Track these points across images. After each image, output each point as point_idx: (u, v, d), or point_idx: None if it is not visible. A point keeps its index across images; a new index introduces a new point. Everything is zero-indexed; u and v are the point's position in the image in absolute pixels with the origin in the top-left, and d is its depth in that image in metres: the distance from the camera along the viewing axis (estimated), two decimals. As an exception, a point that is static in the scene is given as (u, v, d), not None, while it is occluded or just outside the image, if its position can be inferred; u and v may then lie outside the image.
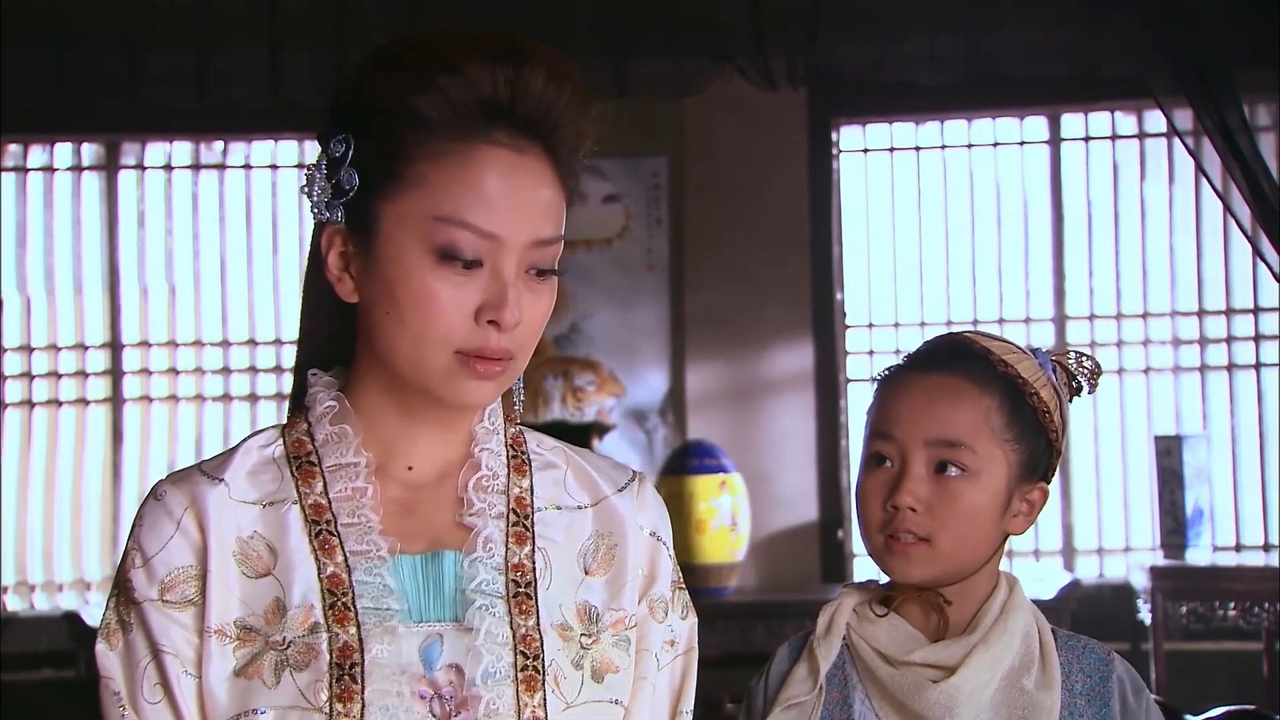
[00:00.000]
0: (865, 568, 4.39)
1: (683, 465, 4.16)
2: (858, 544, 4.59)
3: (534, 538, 1.16)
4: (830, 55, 4.19)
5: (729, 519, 4.14)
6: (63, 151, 4.75)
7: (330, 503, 1.13)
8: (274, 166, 4.80)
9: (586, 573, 1.17)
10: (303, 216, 4.70)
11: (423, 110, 1.09)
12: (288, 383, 4.68)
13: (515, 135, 1.10)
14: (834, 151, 4.79)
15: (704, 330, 4.70)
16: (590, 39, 4.16)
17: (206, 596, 1.10)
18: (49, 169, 4.74)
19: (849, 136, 4.84)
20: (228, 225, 4.77)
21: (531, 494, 1.18)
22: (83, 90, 4.32)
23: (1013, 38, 4.14)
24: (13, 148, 4.71)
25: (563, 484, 1.20)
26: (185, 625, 1.10)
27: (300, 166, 4.73)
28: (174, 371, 4.76)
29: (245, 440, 1.18)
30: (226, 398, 4.77)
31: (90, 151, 4.77)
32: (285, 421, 1.20)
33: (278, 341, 4.78)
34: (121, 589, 1.12)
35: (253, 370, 4.79)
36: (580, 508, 1.20)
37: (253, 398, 4.78)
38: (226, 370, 4.78)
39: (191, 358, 4.77)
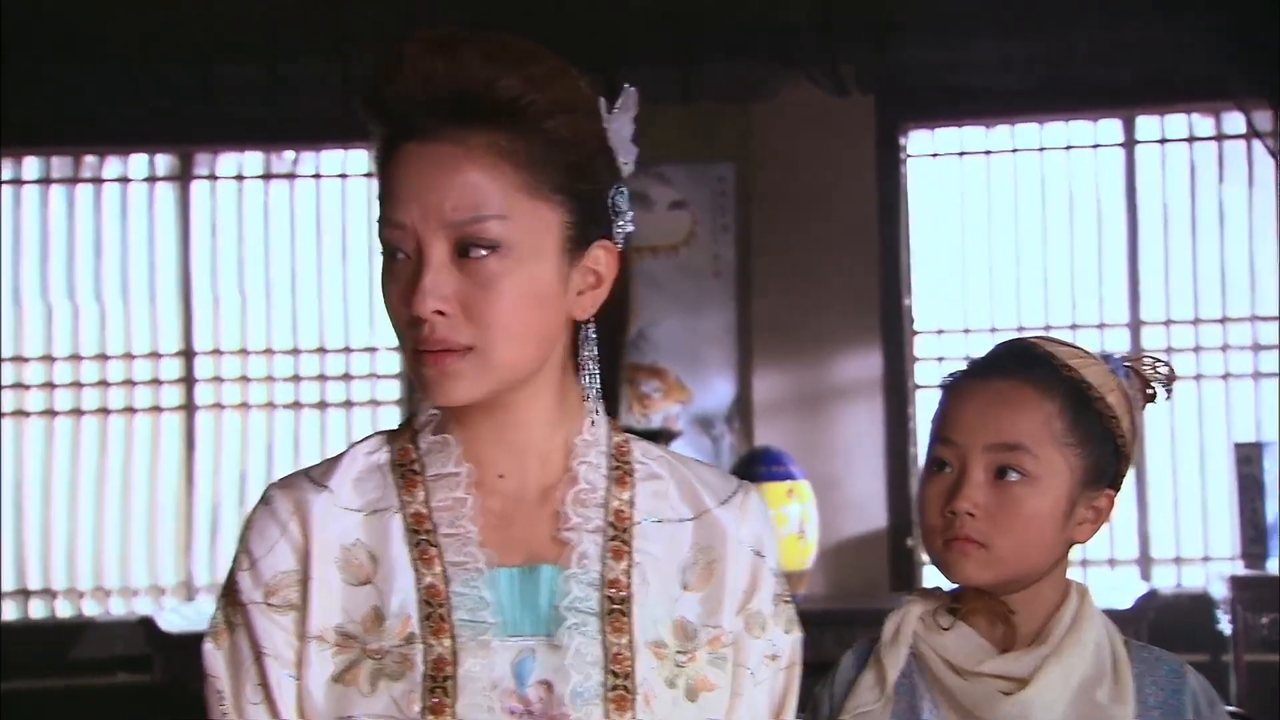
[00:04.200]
0: (935, 575, 4.33)
1: (749, 472, 4.14)
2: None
3: (632, 552, 1.14)
4: (900, 59, 4.16)
5: (797, 526, 4.11)
6: (138, 163, 4.83)
7: (431, 512, 1.13)
8: (343, 175, 4.84)
9: (685, 588, 1.16)
10: (371, 225, 4.71)
11: (369, 128, 1.13)
12: (358, 390, 4.72)
13: (431, 126, 1.09)
14: (902, 156, 4.75)
15: (771, 336, 4.67)
16: (658, 46, 4.15)
17: (308, 601, 1.11)
18: (124, 180, 4.82)
19: (917, 141, 4.79)
20: (298, 234, 4.81)
21: (632, 507, 1.16)
22: (157, 103, 4.38)
23: (1086, 39, 4.08)
24: (90, 160, 4.79)
25: (665, 496, 1.18)
26: (287, 629, 1.11)
27: (369, 175, 4.77)
28: (245, 379, 4.81)
29: (352, 447, 1.18)
30: (296, 405, 4.81)
31: (164, 163, 4.84)
32: (395, 428, 1.19)
33: (347, 349, 4.82)
34: (229, 590, 1.14)
35: (322, 378, 4.82)
36: (682, 520, 1.17)
37: (322, 405, 4.82)
38: (297, 378, 4.82)
39: (263, 366, 4.81)
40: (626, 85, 1.16)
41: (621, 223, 1.15)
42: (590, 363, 1.16)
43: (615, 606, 1.12)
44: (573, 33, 3.53)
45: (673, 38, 4.15)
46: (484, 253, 1.08)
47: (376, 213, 1.12)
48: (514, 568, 1.13)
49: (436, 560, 1.11)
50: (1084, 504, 1.38)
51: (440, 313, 1.08)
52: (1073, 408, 1.36)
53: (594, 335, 1.16)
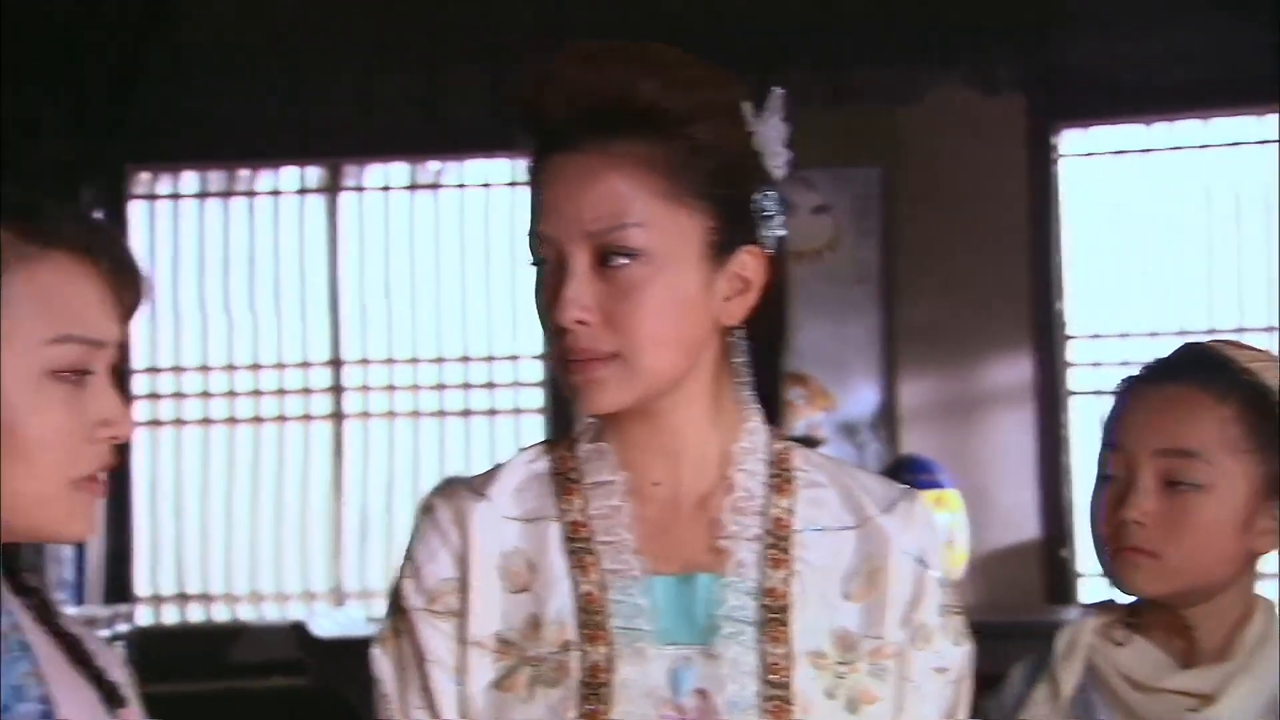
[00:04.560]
0: (1093, 588, 4.21)
1: (896, 480, 4.05)
2: (1084, 563, 4.41)
3: (791, 561, 1.13)
4: (1053, 56, 4.04)
5: (945, 536, 4.02)
6: (289, 176, 4.93)
7: (588, 520, 1.14)
8: (487, 185, 4.88)
9: (846, 598, 1.14)
10: (514, 234, 4.76)
11: (523, 141, 1.15)
12: (501, 399, 4.72)
13: (575, 137, 1.11)
14: (1054, 156, 4.62)
15: (917, 342, 4.60)
16: (807, 50, 4.11)
17: (469, 608, 1.13)
18: (276, 193, 4.93)
19: (1071, 140, 4.66)
20: (443, 244, 4.86)
21: (792, 515, 1.15)
22: (310, 116, 4.47)
23: (1249, 31, 3.92)
24: (243, 173, 4.91)
25: (827, 504, 1.17)
26: (448, 635, 1.13)
27: (513, 185, 4.80)
28: (391, 388, 4.87)
29: (515, 456, 1.20)
30: (441, 414, 4.85)
31: (314, 175, 4.94)
32: (555, 438, 1.21)
33: (490, 358, 4.85)
34: (395, 597, 1.16)
35: (466, 386, 4.86)
36: (844, 529, 1.16)
37: (466, 413, 4.85)
38: (441, 386, 4.86)
39: (409, 374, 4.87)
40: (775, 88, 1.16)
41: (770, 227, 1.14)
42: (741, 369, 1.15)
43: (773, 615, 1.11)
44: (722, 39, 3.52)
45: (822, 41, 4.11)
46: (624, 261, 1.09)
47: (523, 223, 1.14)
48: (670, 576, 1.13)
49: (593, 568, 1.12)
50: (1265, 513, 1.31)
51: (583, 322, 1.09)
52: (1252, 412, 1.30)
53: (743, 341, 1.15)
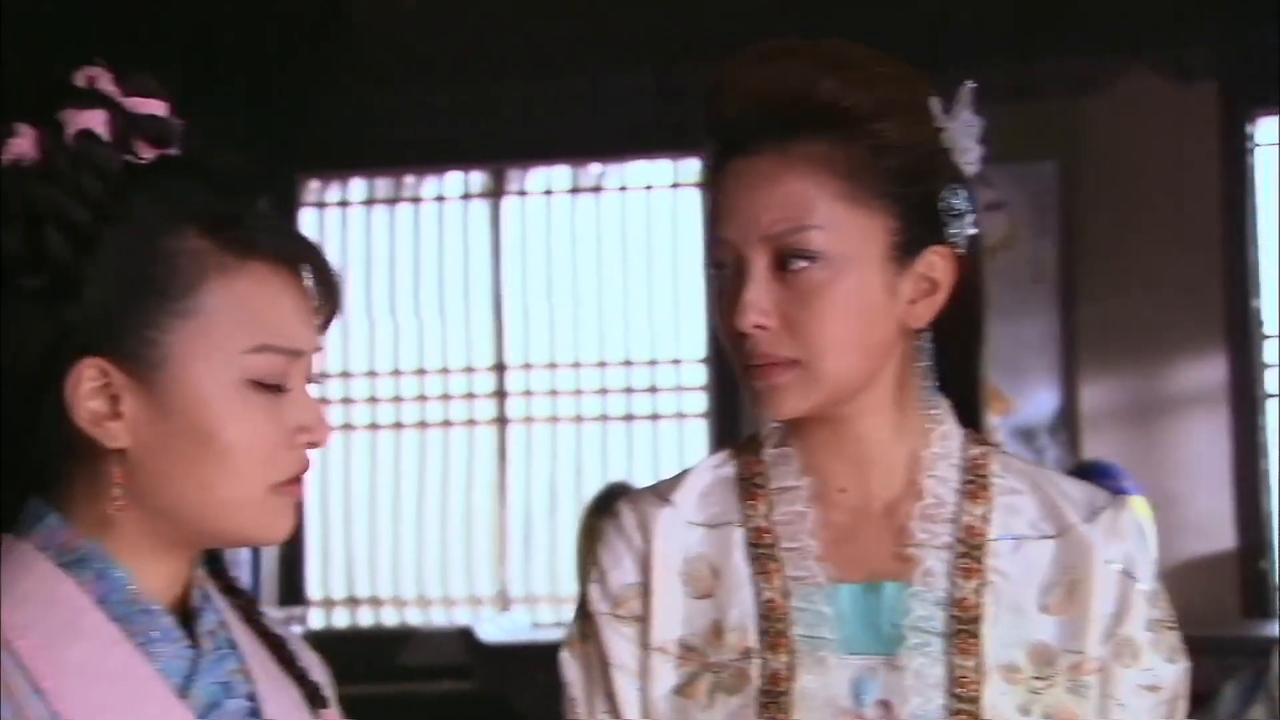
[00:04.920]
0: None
1: (1078, 487, 3.88)
2: (1284, 576, 4.17)
3: (984, 571, 1.10)
4: (1250, 41, 3.82)
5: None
6: (453, 181, 4.95)
7: (772, 526, 1.13)
8: (649, 188, 4.84)
9: (1044, 610, 1.10)
10: (677, 236, 4.72)
11: (706, 146, 1.14)
12: (664, 403, 4.64)
13: (754, 139, 1.10)
14: (1249, 145, 4.39)
15: (1099, 343, 4.42)
16: (983, 42, 3.98)
17: (651, 613, 1.13)
18: (440, 199, 4.95)
19: (1267, 129, 4.41)
20: (604, 247, 4.83)
21: (986, 523, 1.10)
22: (474, 121, 4.49)
23: None
24: (409, 179, 4.95)
25: (1024, 512, 1.13)
26: (632, 640, 1.13)
27: (675, 186, 4.74)
28: (554, 393, 4.85)
29: (701, 461, 1.20)
30: (604, 418, 4.82)
31: (478, 180, 4.95)
32: (742, 442, 1.20)
33: (653, 362, 4.80)
34: (583, 601, 1.17)
35: (629, 391, 4.82)
36: (1043, 538, 1.12)
37: (629, 418, 4.81)
38: (604, 391, 4.83)
39: (571, 379, 4.84)
40: (967, 82, 1.14)
41: (959, 225, 1.11)
42: (928, 373, 1.13)
43: (963, 627, 1.08)
44: (901, 30, 3.43)
45: (999, 33, 3.98)
46: (804, 264, 1.08)
47: (686, 225, 1.11)
48: (856, 584, 1.12)
49: (776, 574, 1.11)
50: None
51: (762, 326, 1.08)
52: None
53: (931, 345, 1.13)
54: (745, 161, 1.09)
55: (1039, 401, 4.50)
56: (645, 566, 1.14)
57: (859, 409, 1.12)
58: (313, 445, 1.01)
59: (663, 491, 1.17)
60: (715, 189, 1.12)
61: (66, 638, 0.94)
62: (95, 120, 0.96)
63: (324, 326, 1.03)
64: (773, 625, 1.10)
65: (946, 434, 1.14)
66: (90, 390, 0.96)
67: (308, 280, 1.01)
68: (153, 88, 0.99)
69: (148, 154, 0.98)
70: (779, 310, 1.08)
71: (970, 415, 1.17)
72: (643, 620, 1.13)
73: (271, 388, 0.98)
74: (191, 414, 0.96)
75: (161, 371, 0.96)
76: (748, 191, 1.09)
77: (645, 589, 1.13)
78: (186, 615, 1.01)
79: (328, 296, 1.02)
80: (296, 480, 1.01)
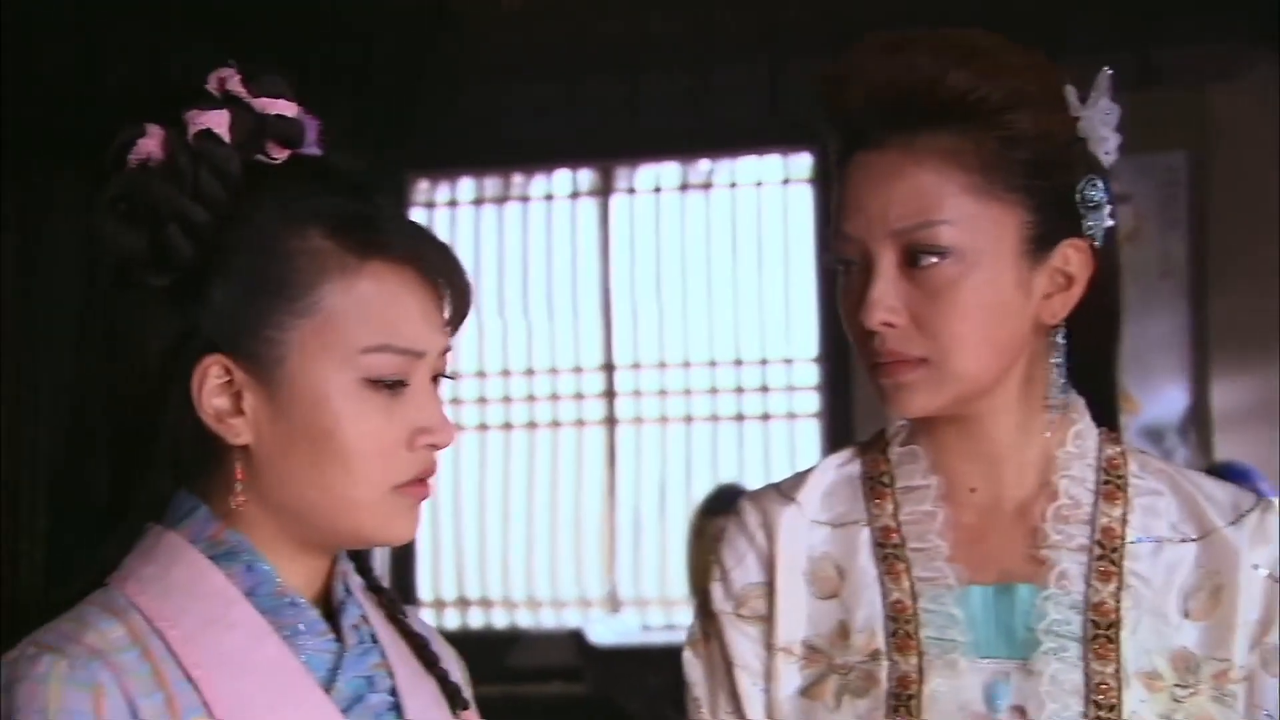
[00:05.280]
0: None
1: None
2: None
3: (1122, 574, 1.08)
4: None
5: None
6: (562, 180, 4.92)
7: (899, 526, 1.12)
8: (759, 184, 4.76)
9: (1186, 615, 1.08)
10: (789, 233, 4.64)
11: (824, 139, 1.12)
12: (775, 403, 4.54)
13: (878, 132, 1.07)
14: (1394, 129, 4.19)
15: (1231, 339, 4.27)
16: (1108, 30, 3.87)
17: (775, 613, 1.12)
18: (549, 197, 4.93)
19: None
20: (714, 244, 4.77)
21: (1124, 524, 1.08)
22: (583, 118, 4.48)
23: None
24: (517, 179, 4.94)
25: (1164, 513, 1.10)
26: (755, 639, 1.12)
27: (786, 182, 4.66)
28: (663, 393, 4.80)
29: (825, 459, 1.19)
30: (714, 418, 4.76)
31: (586, 178, 4.91)
32: (867, 440, 1.17)
33: (763, 361, 4.73)
34: (705, 601, 1.16)
35: (740, 390, 4.75)
36: (1184, 541, 1.09)
37: (739, 418, 4.74)
38: (714, 391, 4.77)
39: (680, 378, 4.79)
40: (1104, 69, 1.12)
41: (1096, 218, 1.09)
42: (1056, 370, 1.11)
43: (1100, 632, 1.06)
44: (1016, 19, 3.33)
45: (1125, 20, 3.86)
46: (933, 260, 1.06)
47: (797, 221, 1.06)
48: (987, 585, 1.10)
49: (904, 575, 1.10)
50: None
51: (891, 324, 1.06)
52: None
53: (1063, 341, 1.11)
54: (870, 155, 1.07)
55: (1167, 400, 4.36)
56: (769, 566, 1.12)
57: (989, 407, 1.10)
58: (434, 447, 1.00)
59: (786, 490, 1.15)
60: (838, 183, 1.10)
61: (217, 629, 0.96)
62: (217, 121, 0.97)
63: (455, 327, 1.02)
64: (901, 627, 1.08)
65: (1081, 433, 1.11)
66: (215, 387, 0.97)
67: (437, 281, 1.00)
68: (282, 89, 1.00)
69: (278, 154, 0.99)
70: (907, 307, 1.06)
71: (1105, 414, 1.13)
72: (766, 620, 1.12)
73: (390, 388, 0.98)
74: (309, 413, 0.97)
75: (280, 370, 0.97)
76: (874, 186, 1.06)
77: (769, 588, 1.12)
78: (330, 610, 1.03)
79: (457, 297, 1.01)
80: (420, 482, 1.00)
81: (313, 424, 0.97)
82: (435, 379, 1.03)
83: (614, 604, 4.77)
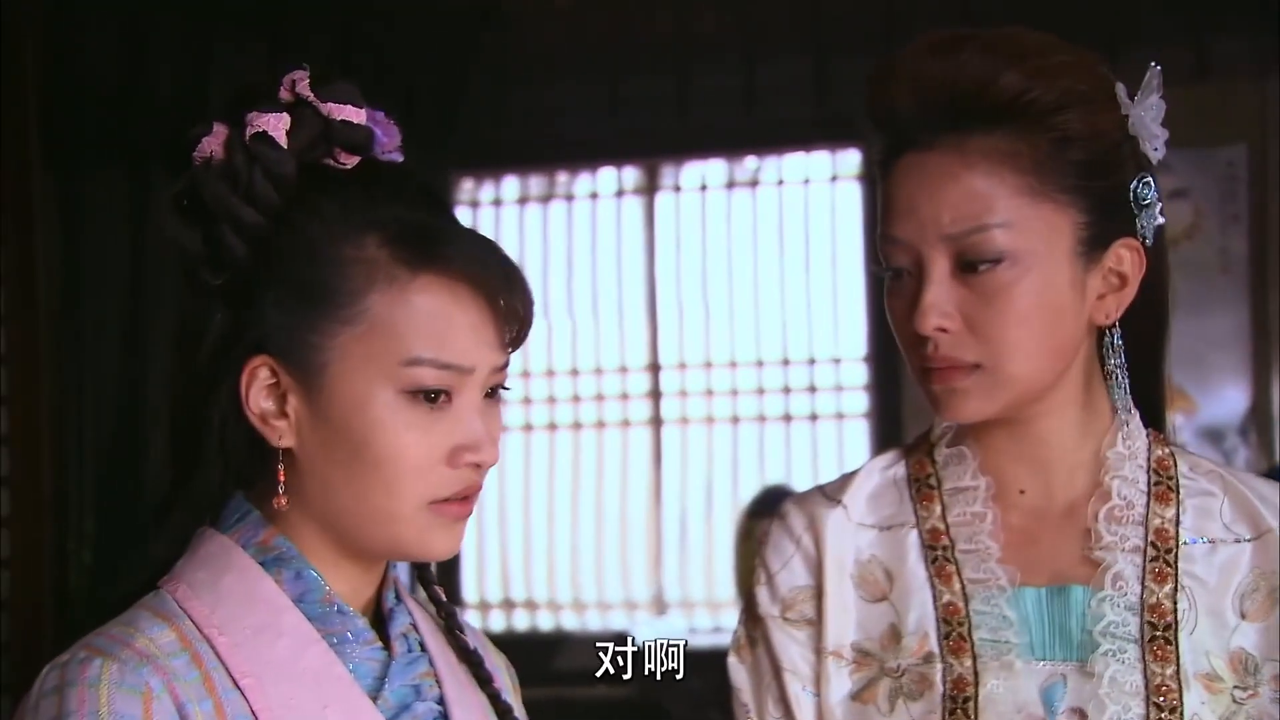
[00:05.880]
0: None
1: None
2: None
3: (1177, 575, 1.08)
4: None
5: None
6: (606, 178, 4.89)
7: (948, 528, 1.11)
8: (807, 181, 4.71)
9: (1242, 616, 1.09)
10: (836, 231, 4.59)
11: (870, 138, 1.11)
12: (823, 403, 4.49)
13: (929, 134, 1.06)
14: None
15: (1293, 337, 4.17)
16: (1167, 21, 3.81)
17: (824, 617, 1.11)
18: (594, 196, 4.89)
19: None
20: (761, 242, 4.73)
21: (1177, 525, 1.09)
22: (626, 116, 4.46)
23: None
24: (562, 177, 4.91)
25: (1217, 514, 1.10)
26: (803, 643, 1.12)
27: (834, 179, 4.61)
28: (710, 393, 4.76)
29: (869, 461, 1.18)
30: (761, 419, 4.71)
31: (631, 176, 4.88)
32: (911, 442, 1.16)
33: (811, 361, 4.68)
34: (749, 605, 1.16)
35: (787, 390, 4.70)
36: (1239, 541, 1.09)
37: (787, 418, 4.70)
38: (760, 391, 4.72)
39: (727, 378, 4.75)
40: (1153, 64, 1.11)
41: (1148, 216, 1.08)
42: (1118, 371, 1.11)
43: (1158, 633, 1.06)
44: (1069, 12, 3.28)
45: (1180, 10, 3.80)
46: (988, 265, 1.05)
47: (846, 219, 1.03)
48: (1040, 587, 1.09)
49: (955, 577, 1.09)
50: None
51: (944, 329, 1.06)
52: None
53: (1120, 342, 1.10)
54: (920, 156, 1.06)
55: (1227, 400, 4.28)
56: (816, 569, 1.12)
57: (1042, 410, 1.09)
58: (477, 466, 1.00)
59: (831, 492, 1.14)
60: (884, 185, 1.08)
61: (266, 636, 0.96)
62: (274, 123, 0.97)
63: (514, 343, 1.01)
64: (954, 629, 1.08)
65: (1131, 433, 1.10)
66: (262, 388, 0.98)
67: (494, 298, 0.99)
68: (351, 95, 1.00)
69: (347, 160, 0.99)
70: (961, 311, 1.05)
71: (1153, 415, 1.13)
72: (814, 624, 1.11)
73: (433, 402, 0.97)
74: (347, 421, 0.97)
75: (323, 376, 0.97)
76: (925, 189, 1.05)
77: (817, 592, 1.11)
78: (380, 617, 1.03)
79: (517, 316, 1.00)
80: (462, 500, 0.99)
81: (350, 432, 0.97)
82: (494, 396, 1.02)
83: (660, 606, 4.74)
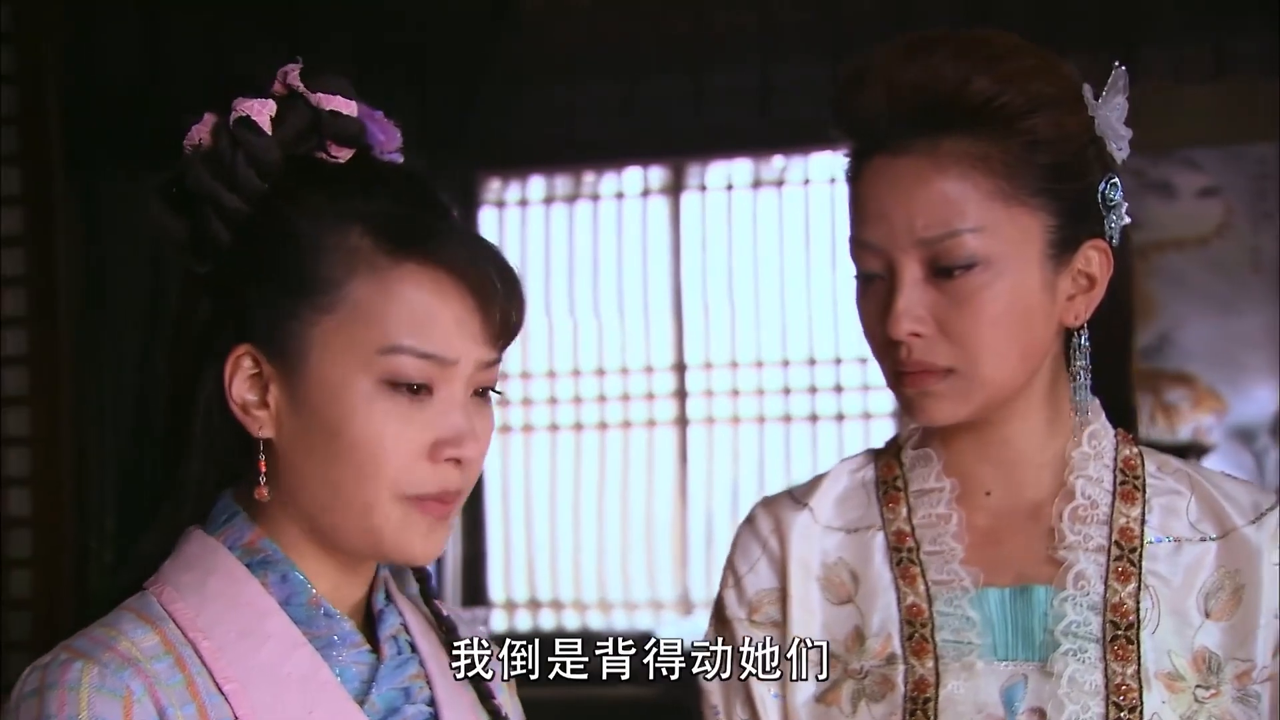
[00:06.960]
0: None
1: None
2: None
3: (1140, 574, 1.08)
4: None
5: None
6: (632, 178, 4.88)
7: (913, 529, 1.12)
8: (833, 180, 4.69)
9: (1206, 615, 1.08)
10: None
11: (838, 140, 1.11)
12: (849, 403, 4.46)
13: (899, 137, 1.05)
14: None
15: (1326, 337, 4.10)
16: (1194, 17, 3.75)
17: (788, 619, 1.11)
18: (619, 195, 4.89)
19: None
20: (787, 242, 4.71)
21: (1142, 524, 1.09)
22: (652, 116, 4.45)
23: None
24: (588, 177, 4.90)
25: (1184, 513, 1.10)
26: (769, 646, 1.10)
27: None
28: (736, 392, 4.75)
29: (839, 463, 1.18)
30: (787, 418, 4.70)
31: (657, 176, 4.87)
32: (883, 445, 1.18)
33: (837, 360, 4.67)
34: (718, 607, 1.16)
35: (812, 390, 4.69)
36: (1204, 540, 1.09)
37: (813, 418, 4.69)
38: (786, 390, 4.70)
39: (753, 378, 4.73)
40: (1117, 64, 1.10)
41: (1115, 217, 1.09)
42: (1082, 372, 1.10)
43: (1119, 633, 1.06)
44: (1099, 9, 3.25)
45: (1211, 6, 3.74)
46: (961, 270, 1.05)
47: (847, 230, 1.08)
48: (1004, 588, 1.09)
49: (919, 579, 1.09)
50: None
51: (917, 334, 1.06)
52: None
53: (1087, 343, 1.10)
54: (890, 160, 1.05)
55: (1258, 400, 4.22)
56: (782, 572, 1.12)
57: (1011, 412, 1.09)
58: (457, 462, 0.97)
59: (799, 495, 1.15)
60: (855, 188, 1.08)
61: (251, 641, 0.95)
62: (259, 109, 0.96)
63: (504, 337, 0.99)
64: (916, 631, 1.08)
65: (1096, 433, 1.10)
66: (244, 378, 0.97)
67: (482, 291, 0.97)
68: (342, 87, 0.99)
69: (339, 153, 0.98)
70: (933, 316, 1.05)
71: (1121, 415, 1.12)
72: (780, 626, 1.11)
73: (413, 393, 0.95)
74: (322, 409, 0.95)
75: (303, 365, 0.96)
76: (897, 193, 1.05)
77: (782, 594, 1.12)
78: (369, 620, 1.02)
79: (505, 311, 0.98)
80: (439, 500, 0.97)
81: (325, 420, 0.95)
82: (484, 396, 1.00)
83: (686, 606, 4.73)
